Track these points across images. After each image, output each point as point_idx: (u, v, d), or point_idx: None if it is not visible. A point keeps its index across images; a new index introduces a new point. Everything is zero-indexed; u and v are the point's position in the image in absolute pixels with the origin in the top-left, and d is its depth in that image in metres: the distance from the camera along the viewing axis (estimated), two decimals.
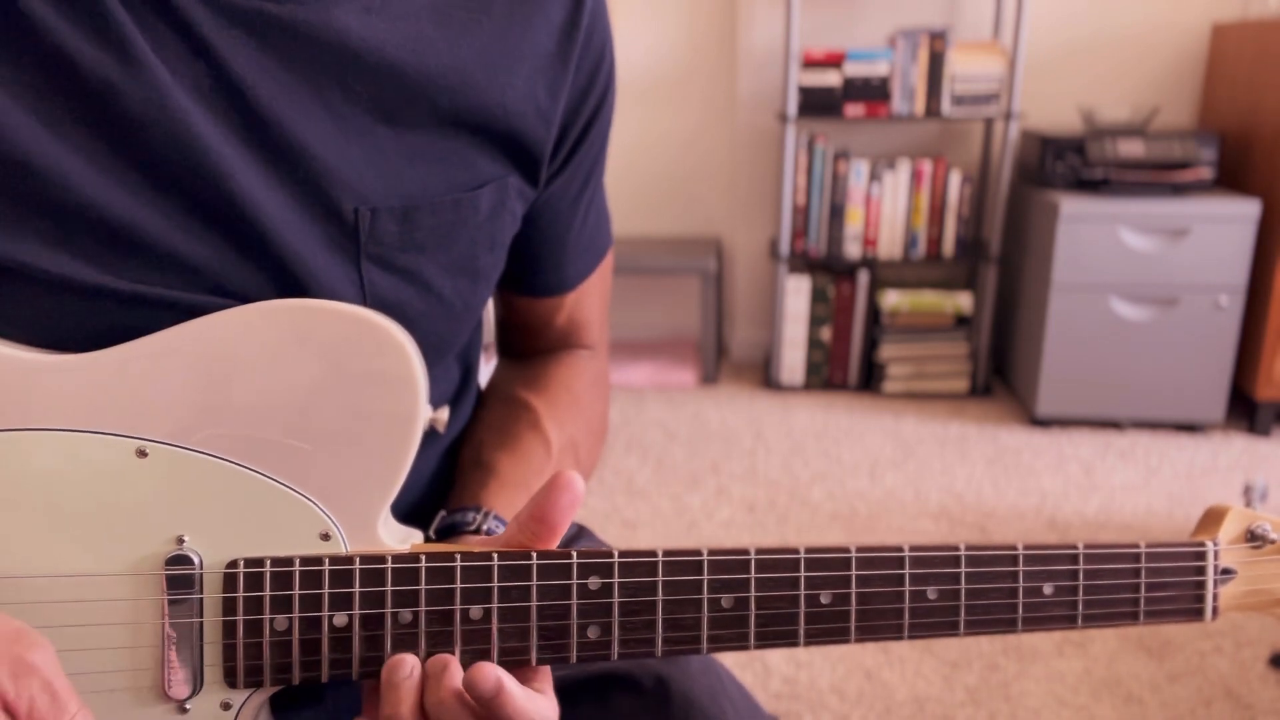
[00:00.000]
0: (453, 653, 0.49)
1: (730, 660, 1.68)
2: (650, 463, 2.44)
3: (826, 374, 2.92)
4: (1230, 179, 2.58)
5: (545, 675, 0.51)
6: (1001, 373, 2.98)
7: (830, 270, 2.93)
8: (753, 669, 1.65)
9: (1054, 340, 2.52)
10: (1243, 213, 2.37)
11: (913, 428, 2.64)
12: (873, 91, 2.68)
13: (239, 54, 0.48)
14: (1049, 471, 2.37)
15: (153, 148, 0.47)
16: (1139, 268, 2.44)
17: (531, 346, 0.74)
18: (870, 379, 2.92)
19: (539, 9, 0.57)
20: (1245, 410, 2.59)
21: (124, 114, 0.46)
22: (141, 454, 0.47)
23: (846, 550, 0.51)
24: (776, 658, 1.68)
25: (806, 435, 2.60)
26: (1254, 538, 0.56)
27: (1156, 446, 2.49)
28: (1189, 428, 2.57)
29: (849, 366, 2.91)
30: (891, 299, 2.82)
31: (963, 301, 2.82)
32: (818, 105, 2.71)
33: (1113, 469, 2.37)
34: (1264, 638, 1.71)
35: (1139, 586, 0.54)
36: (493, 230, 0.58)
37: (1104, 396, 2.55)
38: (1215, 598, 0.55)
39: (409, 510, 0.61)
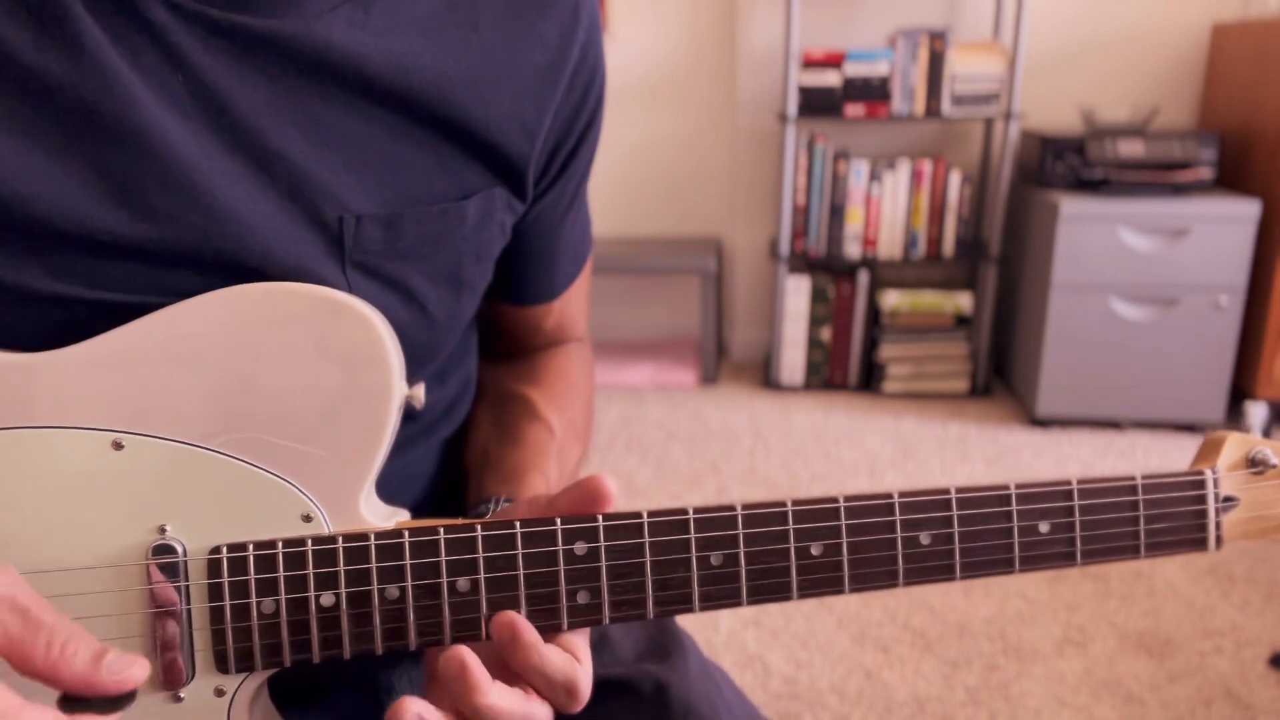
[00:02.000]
0: (441, 625, 0.49)
1: (729, 660, 1.67)
2: (650, 463, 2.44)
3: (826, 374, 2.92)
4: (1230, 179, 2.58)
5: (576, 637, 0.50)
6: (1001, 373, 2.98)
7: (830, 270, 2.92)
8: (752, 669, 1.65)
9: (1054, 340, 2.52)
10: (1243, 213, 2.37)
11: (913, 428, 2.64)
12: (873, 91, 2.68)
13: (216, 66, 0.48)
14: (1049, 472, 2.36)
15: (128, 164, 0.46)
16: (1139, 268, 2.44)
17: (519, 349, 0.75)
18: (870, 379, 2.92)
19: (530, 27, 0.57)
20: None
21: (98, 132, 0.46)
22: (117, 446, 0.47)
23: (834, 500, 0.50)
24: (777, 658, 1.68)
25: (806, 435, 2.59)
26: (1254, 463, 0.54)
27: (1156, 446, 2.49)
28: (1189, 428, 2.57)
29: (849, 366, 2.91)
30: (891, 299, 2.82)
31: (963, 301, 2.82)
32: (818, 105, 2.71)
33: (1113, 469, 2.37)
34: (1264, 638, 1.71)
35: (1138, 519, 0.53)
36: (479, 242, 0.58)
37: (1104, 396, 2.54)
38: (1218, 526, 0.54)
39: (413, 510, 0.61)
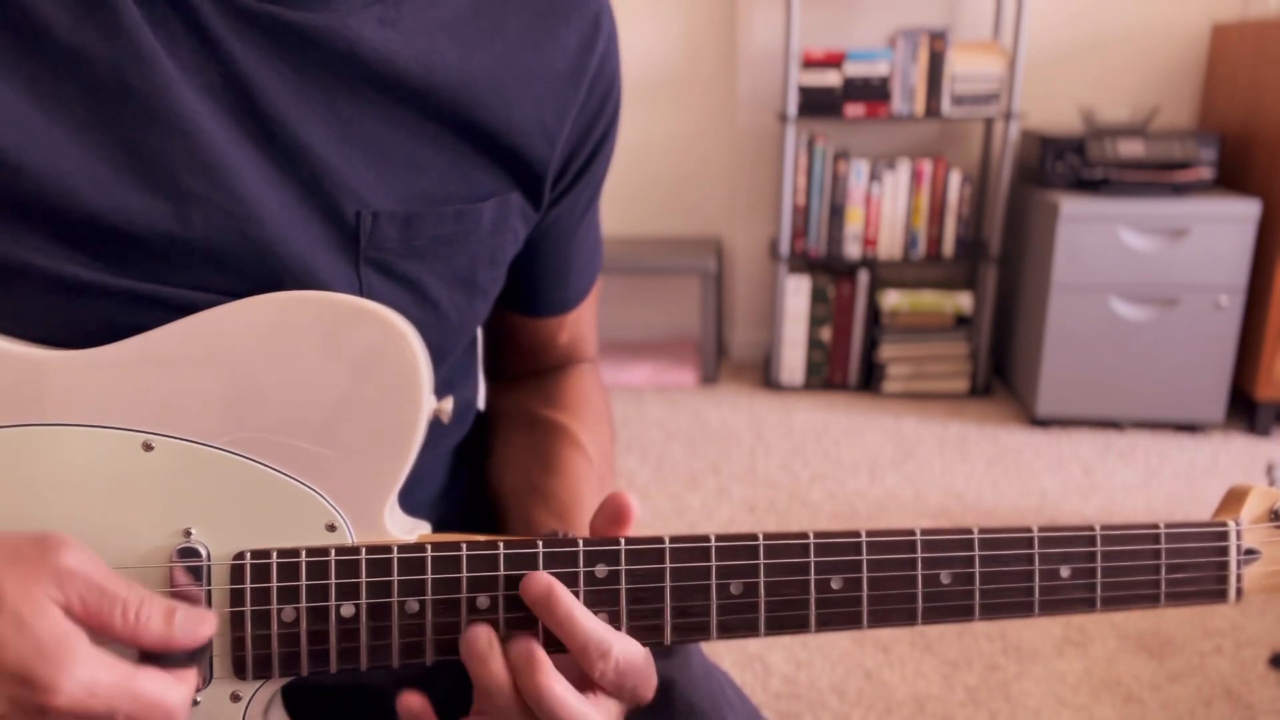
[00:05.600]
0: (458, 641, 0.49)
1: (730, 660, 1.68)
2: (650, 463, 2.44)
3: (826, 374, 2.92)
4: (1230, 179, 2.58)
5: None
6: (1001, 373, 2.98)
7: (830, 270, 2.93)
8: (753, 669, 1.65)
9: (1054, 340, 2.52)
10: (1243, 213, 2.37)
11: (913, 428, 2.64)
12: (873, 91, 2.68)
13: (250, 54, 0.48)
14: (1049, 472, 2.37)
15: (158, 144, 0.47)
16: (1139, 268, 2.44)
17: (531, 366, 0.75)
18: (870, 379, 2.92)
19: (553, 32, 0.57)
20: (1245, 410, 2.59)
21: (131, 110, 0.46)
22: (148, 447, 0.47)
23: (857, 535, 0.50)
24: (777, 658, 1.68)
25: (806, 435, 2.60)
26: (1277, 517, 0.54)
27: (1156, 446, 2.49)
28: (1189, 428, 2.57)
29: (849, 366, 2.91)
30: (891, 299, 2.82)
31: (963, 301, 2.82)
32: (818, 105, 2.71)
33: (1113, 469, 2.37)
34: (1264, 638, 1.71)
35: (1159, 568, 0.52)
36: (494, 246, 0.58)
37: (1104, 396, 2.55)
38: (1239, 578, 0.54)
39: (423, 516, 0.61)
